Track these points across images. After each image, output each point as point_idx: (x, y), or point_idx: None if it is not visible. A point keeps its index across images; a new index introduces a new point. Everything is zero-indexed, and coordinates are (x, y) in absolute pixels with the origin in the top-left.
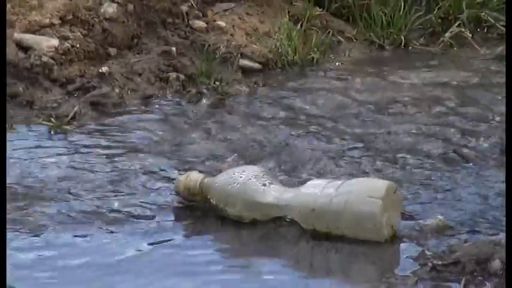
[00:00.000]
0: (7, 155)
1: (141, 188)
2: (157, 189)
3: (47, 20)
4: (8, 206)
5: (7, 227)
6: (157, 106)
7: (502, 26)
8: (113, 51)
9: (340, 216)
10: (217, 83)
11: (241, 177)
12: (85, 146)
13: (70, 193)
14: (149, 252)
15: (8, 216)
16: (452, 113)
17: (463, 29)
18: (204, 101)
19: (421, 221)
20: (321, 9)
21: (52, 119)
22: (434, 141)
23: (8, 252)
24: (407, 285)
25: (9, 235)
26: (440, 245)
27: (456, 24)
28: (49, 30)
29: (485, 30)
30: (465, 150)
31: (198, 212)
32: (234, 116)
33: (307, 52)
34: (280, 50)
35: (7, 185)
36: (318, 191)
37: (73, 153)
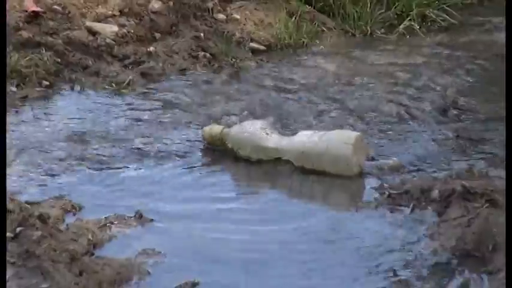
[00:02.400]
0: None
1: (177, 135)
2: (189, 136)
3: (110, 12)
4: (80, 147)
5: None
6: (189, 76)
7: (441, 20)
8: (157, 35)
9: (322, 157)
10: (233, 59)
11: (250, 128)
12: (136, 104)
13: (125, 138)
14: (181, 179)
15: (79, 154)
16: (404, 84)
17: (412, 23)
18: (223, 72)
19: (381, 161)
20: (309, 7)
21: (113, 85)
22: (390, 103)
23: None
24: (370, 208)
25: (79, 168)
26: (395, 179)
27: (408, 19)
28: (111, 20)
29: (429, 24)
30: (413, 111)
31: (218, 153)
32: (245, 84)
33: (299, 38)
34: (279, 36)
35: (81, 132)
36: (306, 139)
37: (127, 109)
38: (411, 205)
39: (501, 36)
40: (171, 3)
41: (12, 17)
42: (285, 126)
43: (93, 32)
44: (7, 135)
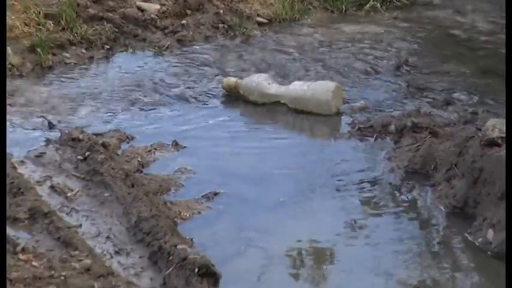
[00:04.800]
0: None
1: (204, 84)
2: (212, 85)
3: None
4: (132, 93)
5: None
6: (212, 42)
7: (397, 1)
8: (188, 12)
9: (310, 101)
10: (244, 29)
11: (257, 79)
12: (173, 62)
13: (166, 86)
14: (206, 116)
15: (132, 99)
16: (369, 47)
17: (376, 3)
18: (237, 39)
19: (352, 104)
20: None
21: (156, 48)
22: (359, 62)
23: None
24: (345, 138)
25: (132, 109)
26: (363, 117)
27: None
28: (155, 0)
29: (388, 3)
30: (376, 67)
31: (234, 98)
32: (253, 48)
33: (292, 14)
34: (278, 13)
35: (133, 82)
36: (298, 87)
37: (167, 66)
38: (374, 136)
39: (440, 12)
40: None
41: None
42: (282, 78)
43: (141, 9)
44: (78, 87)
